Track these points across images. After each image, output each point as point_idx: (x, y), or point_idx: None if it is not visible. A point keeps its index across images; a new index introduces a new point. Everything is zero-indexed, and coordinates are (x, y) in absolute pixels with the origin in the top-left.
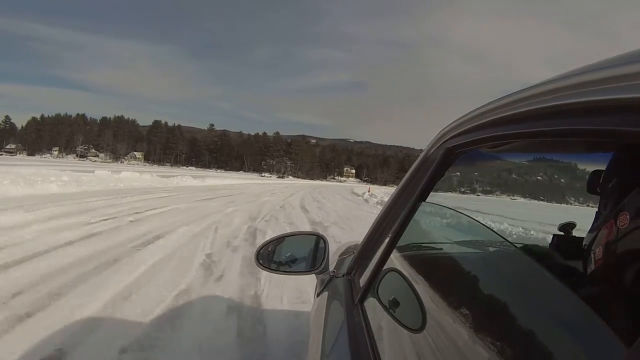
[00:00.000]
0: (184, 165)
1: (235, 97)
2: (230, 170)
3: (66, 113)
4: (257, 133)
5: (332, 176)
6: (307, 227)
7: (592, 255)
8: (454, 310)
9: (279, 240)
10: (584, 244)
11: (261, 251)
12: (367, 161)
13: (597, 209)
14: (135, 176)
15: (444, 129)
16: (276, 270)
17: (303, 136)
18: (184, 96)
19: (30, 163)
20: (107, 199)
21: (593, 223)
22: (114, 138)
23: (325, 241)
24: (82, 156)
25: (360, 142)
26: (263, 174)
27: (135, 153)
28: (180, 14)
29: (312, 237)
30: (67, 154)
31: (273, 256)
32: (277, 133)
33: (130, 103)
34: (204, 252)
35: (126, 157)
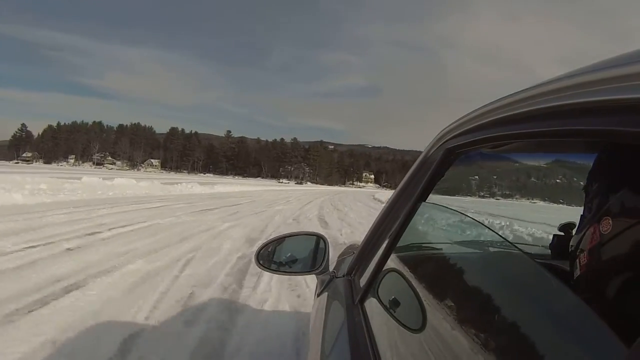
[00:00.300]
0: (201, 172)
1: (252, 103)
2: (248, 176)
3: (82, 121)
4: (275, 139)
5: (351, 182)
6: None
7: (578, 261)
8: (454, 310)
9: (279, 240)
10: (570, 244)
11: (261, 251)
12: (386, 166)
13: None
14: (130, 183)
15: (443, 130)
16: (276, 271)
17: (321, 142)
18: (201, 102)
19: (34, 171)
20: (75, 211)
21: (578, 226)
22: (130, 145)
23: (325, 241)
24: (99, 164)
25: (378, 148)
26: (281, 180)
27: (152, 160)
28: (195, 20)
29: (312, 238)
30: (83, 162)
31: (273, 256)
32: (295, 139)
33: (146, 109)
34: (125, 334)
35: (143, 165)
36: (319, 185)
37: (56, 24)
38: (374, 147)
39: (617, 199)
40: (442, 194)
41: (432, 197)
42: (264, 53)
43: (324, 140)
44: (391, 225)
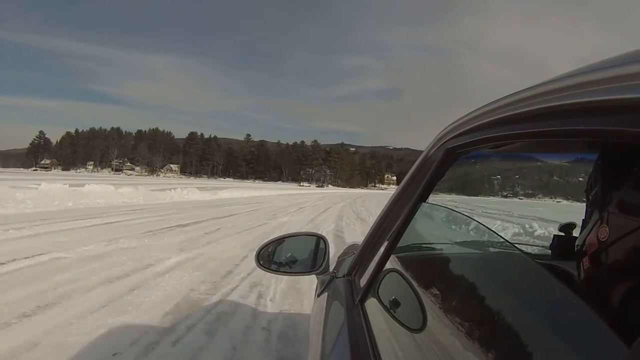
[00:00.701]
0: (221, 177)
1: (271, 108)
2: (269, 180)
3: (101, 127)
4: (295, 142)
5: (373, 184)
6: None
7: (581, 264)
8: (455, 310)
9: (279, 241)
10: (576, 244)
11: (261, 252)
12: (408, 167)
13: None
14: (107, 191)
15: (444, 130)
16: (276, 271)
17: (342, 144)
18: (219, 108)
19: (30, 177)
20: None
21: (581, 229)
22: (149, 151)
23: (325, 242)
24: (118, 170)
25: (400, 149)
26: (302, 184)
27: (171, 165)
28: (213, 27)
29: (312, 238)
30: (102, 168)
31: (273, 257)
32: (316, 141)
33: (166, 116)
34: None
35: (162, 170)
36: (340, 188)
37: (73, 33)
38: (395, 148)
39: (613, 205)
40: (443, 194)
41: (433, 197)
42: (283, 59)
43: (345, 143)
44: (391, 225)
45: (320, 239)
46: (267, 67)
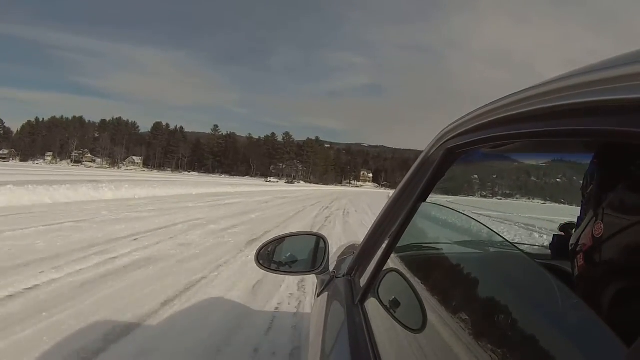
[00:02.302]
0: (185, 171)
1: (252, 102)
2: (236, 175)
3: (62, 116)
4: (267, 135)
5: (348, 181)
6: None
7: (576, 262)
8: (455, 310)
9: (279, 240)
10: (571, 242)
11: (261, 252)
12: (385, 165)
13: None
14: None
15: (444, 130)
16: (276, 271)
17: (316, 138)
18: (198, 102)
19: None
20: None
21: (576, 227)
22: (112, 142)
23: (325, 241)
24: (77, 162)
25: (375, 146)
26: (269, 179)
27: (134, 158)
28: (199, 20)
29: (312, 238)
30: (61, 160)
31: (273, 256)
32: (288, 134)
33: (146, 109)
34: None
35: (124, 162)
36: (312, 185)
37: (50, 22)
38: (370, 145)
39: (608, 203)
40: (443, 194)
41: (433, 197)
42: (268, 54)
43: (320, 139)
44: (391, 225)
45: (320, 239)
46: (250, 62)
